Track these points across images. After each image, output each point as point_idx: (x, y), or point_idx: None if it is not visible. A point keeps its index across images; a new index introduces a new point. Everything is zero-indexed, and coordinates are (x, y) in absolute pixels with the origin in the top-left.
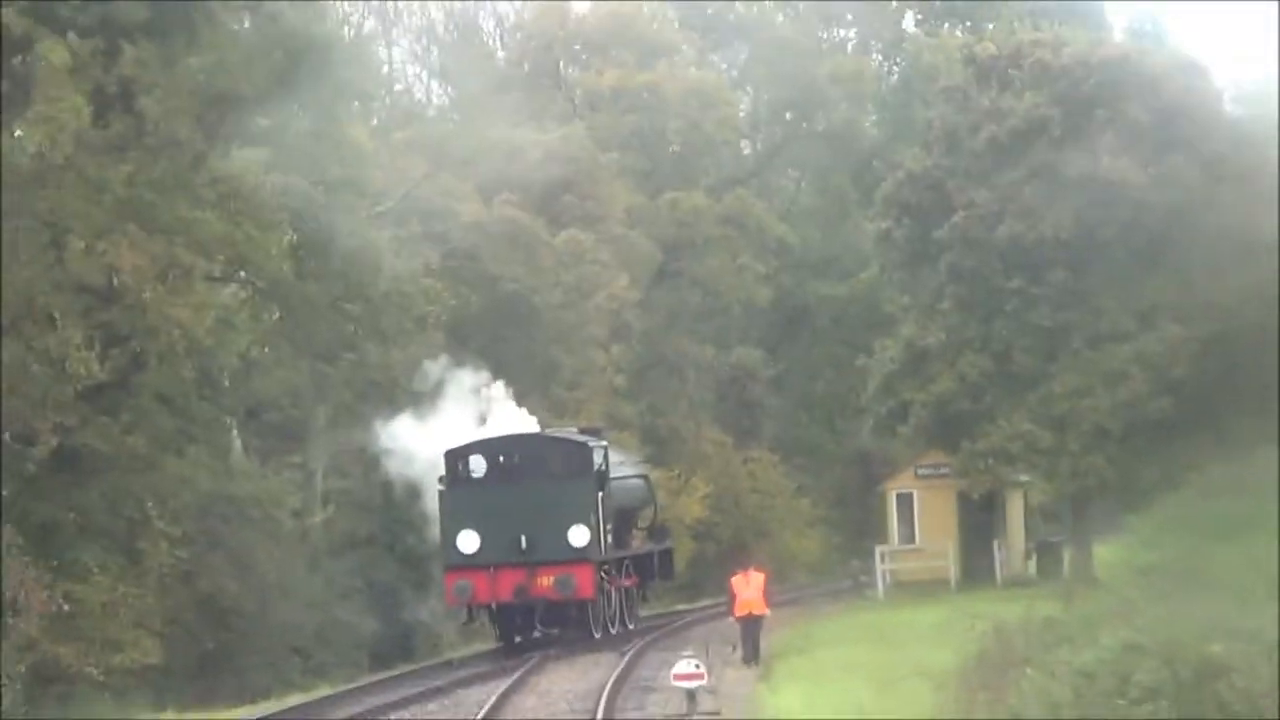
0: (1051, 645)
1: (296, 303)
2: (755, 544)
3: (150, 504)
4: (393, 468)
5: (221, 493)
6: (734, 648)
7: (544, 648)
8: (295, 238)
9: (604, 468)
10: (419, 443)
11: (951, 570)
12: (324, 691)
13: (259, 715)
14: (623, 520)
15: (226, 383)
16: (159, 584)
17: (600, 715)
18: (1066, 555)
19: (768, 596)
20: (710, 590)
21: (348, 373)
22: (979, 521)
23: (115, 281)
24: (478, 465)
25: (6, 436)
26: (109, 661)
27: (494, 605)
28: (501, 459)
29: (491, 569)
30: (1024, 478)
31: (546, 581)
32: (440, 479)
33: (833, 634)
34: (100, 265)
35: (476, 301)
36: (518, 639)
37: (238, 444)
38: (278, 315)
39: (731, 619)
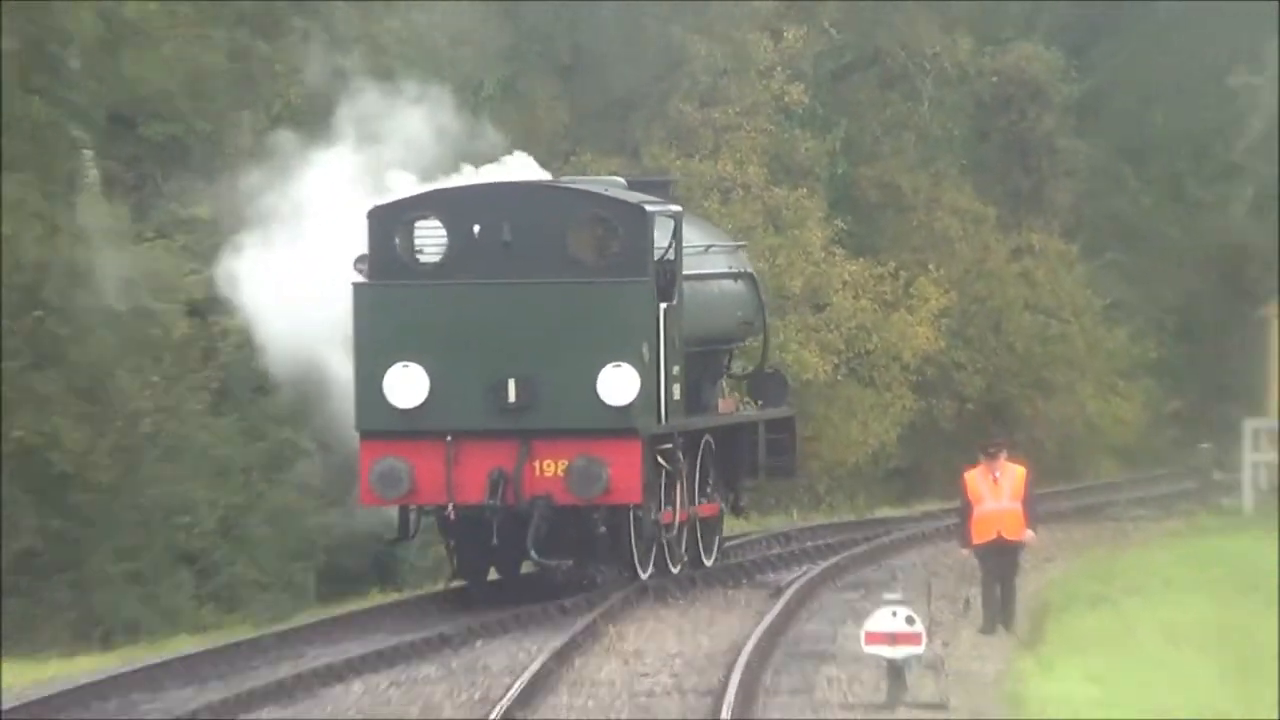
0: None
1: None
2: (1024, 406)
3: None
4: None
5: None
6: (968, 601)
7: (550, 594)
8: None
9: (672, 254)
10: None
11: None
12: (236, 633)
13: (121, 669)
14: (704, 360)
15: None
16: None
17: (735, 701)
18: None
19: (1031, 508)
20: (940, 485)
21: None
22: None
23: None
24: (430, 239)
25: None
26: None
27: (450, 509)
28: (477, 230)
29: (449, 440)
30: None
31: (553, 468)
32: (357, 263)
33: (1157, 573)
34: None
35: None
36: (491, 575)
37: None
38: None
39: (964, 548)
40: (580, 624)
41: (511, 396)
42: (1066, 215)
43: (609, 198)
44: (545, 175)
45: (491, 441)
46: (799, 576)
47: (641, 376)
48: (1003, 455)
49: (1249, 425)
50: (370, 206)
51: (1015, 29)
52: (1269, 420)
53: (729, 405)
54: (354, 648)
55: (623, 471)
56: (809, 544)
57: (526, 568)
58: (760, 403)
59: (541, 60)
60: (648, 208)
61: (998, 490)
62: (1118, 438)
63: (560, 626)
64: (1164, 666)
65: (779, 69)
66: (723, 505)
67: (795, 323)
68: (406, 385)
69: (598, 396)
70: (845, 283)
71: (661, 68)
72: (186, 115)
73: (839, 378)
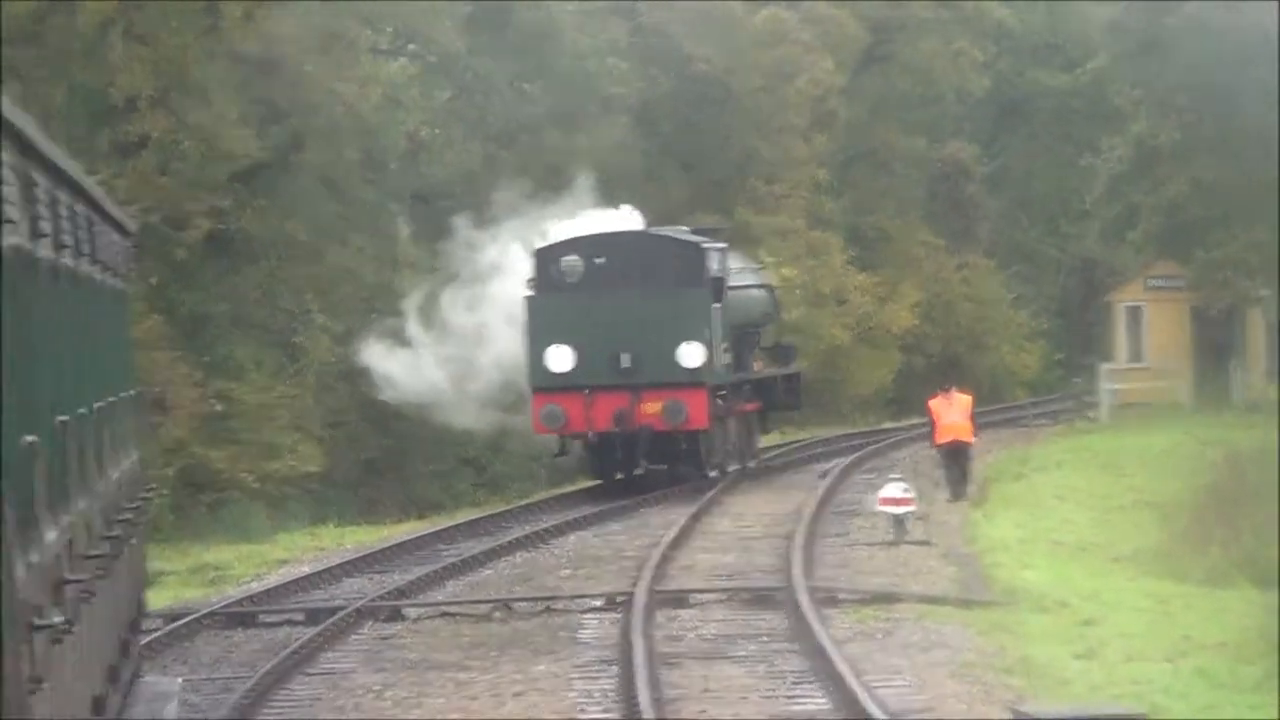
0: None
1: (470, 80)
2: (968, 358)
3: (309, 296)
4: None
5: (387, 285)
6: (937, 484)
7: (648, 486)
8: (470, 8)
9: (721, 274)
10: None
11: (1183, 392)
12: (498, 507)
13: (428, 530)
14: (742, 338)
15: (393, 165)
16: (319, 384)
17: (801, 540)
18: None
19: (975, 421)
20: (918, 407)
21: (525, 157)
22: (1214, 339)
23: (274, 52)
24: (571, 267)
25: (155, 219)
26: (264, 468)
27: (590, 435)
28: (600, 261)
29: (587, 392)
30: (1265, 291)
31: (652, 408)
32: (528, 283)
33: (1051, 459)
34: (258, 33)
35: (666, 84)
36: (617, 475)
37: (405, 232)
38: (449, 93)
39: (932, 448)
40: (705, 498)
41: (625, 364)
42: (987, 244)
43: (678, 239)
44: (641, 222)
45: (614, 392)
46: (836, 465)
47: (705, 349)
48: (955, 389)
49: (1103, 367)
50: (535, 248)
51: (950, 131)
52: (1115, 364)
53: (760, 365)
54: (570, 514)
55: (695, 409)
56: (842, 445)
57: (638, 470)
58: (777, 364)
59: (671, 158)
60: (703, 244)
61: (953, 410)
62: (1025, 376)
63: (693, 500)
64: (1056, 514)
65: (811, 161)
66: (764, 408)
67: (827, 312)
68: (560, 358)
69: (678, 362)
70: (856, 287)
71: (742, 160)
72: (458, 196)
73: (854, 344)
